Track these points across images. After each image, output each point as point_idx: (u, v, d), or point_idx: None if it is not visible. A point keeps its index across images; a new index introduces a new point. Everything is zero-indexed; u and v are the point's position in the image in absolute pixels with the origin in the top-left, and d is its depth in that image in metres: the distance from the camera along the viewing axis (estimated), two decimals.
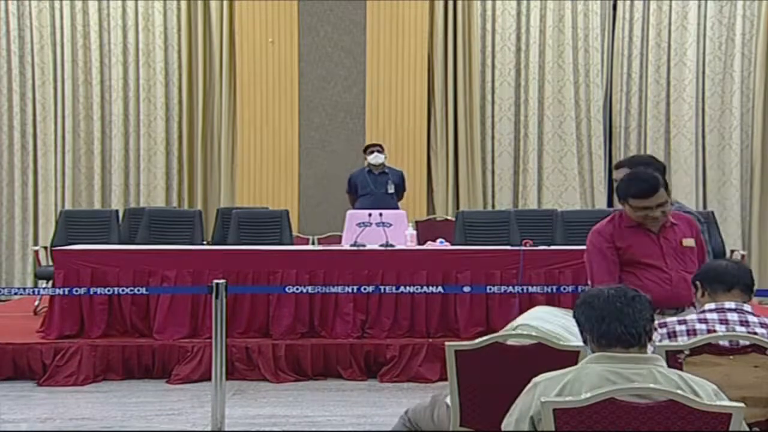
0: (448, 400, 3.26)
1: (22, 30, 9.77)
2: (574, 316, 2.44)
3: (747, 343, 2.84)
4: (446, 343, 2.97)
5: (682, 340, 2.93)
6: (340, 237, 7.10)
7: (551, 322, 3.20)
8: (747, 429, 2.26)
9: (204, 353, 5.80)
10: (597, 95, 9.63)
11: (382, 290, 5.72)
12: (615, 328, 2.30)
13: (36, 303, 7.43)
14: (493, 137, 9.72)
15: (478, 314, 6.17)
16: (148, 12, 9.71)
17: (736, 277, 3.06)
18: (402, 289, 5.52)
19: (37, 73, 9.74)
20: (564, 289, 5.64)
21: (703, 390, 2.24)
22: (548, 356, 2.85)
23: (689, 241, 3.74)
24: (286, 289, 5.71)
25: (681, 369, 2.68)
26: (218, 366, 4.69)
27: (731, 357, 2.83)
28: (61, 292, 5.85)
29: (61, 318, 6.13)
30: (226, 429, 4.68)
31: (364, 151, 8.16)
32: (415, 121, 9.41)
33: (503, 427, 2.38)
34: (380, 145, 8.07)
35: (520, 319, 3.30)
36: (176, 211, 8.59)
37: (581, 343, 2.52)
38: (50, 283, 7.08)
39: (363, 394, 5.58)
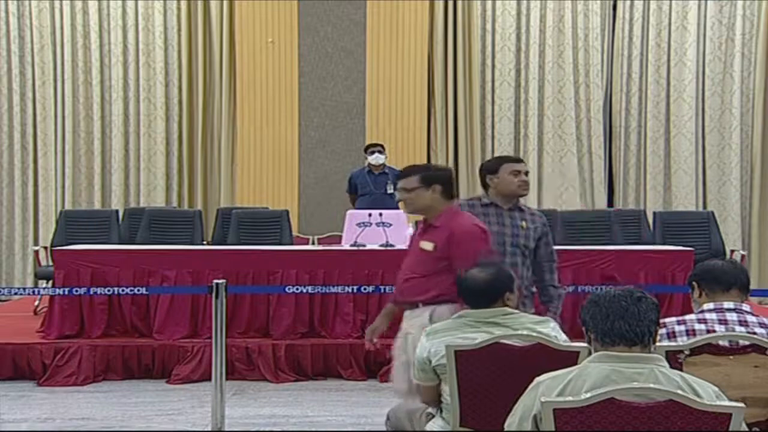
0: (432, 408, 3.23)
1: (22, 30, 9.77)
2: (580, 316, 2.44)
3: (747, 343, 2.84)
4: (446, 344, 2.96)
5: (682, 341, 2.93)
6: (340, 237, 7.10)
7: None
8: (747, 429, 2.26)
9: (204, 353, 5.80)
10: (597, 95, 9.62)
11: (382, 290, 5.71)
12: (619, 326, 2.30)
13: (36, 303, 7.42)
14: (493, 137, 9.71)
15: None
16: (148, 12, 9.70)
17: (734, 277, 3.06)
18: None
19: (37, 73, 9.73)
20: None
21: (704, 391, 2.23)
22: (548, 356, 2.85)
23: (424, 245, 3.88)
24: (286, 289, 5.71)
25: (681, 369, 2.68)
26: (218, 366, 4.70)
27: (731, 357, 2.82)
28: (61, 292, 5.85)
29: (61, 318, 6.13)
30: (226, 429, 4.69)
31: (365, 150, 8.14)
32: (415, 121, 9.40)
33: (506, 426, 2.38)
34: (381, 145, 8.05)
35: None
36: (176, 211, 8.59)
37: None
38: (50, 283, 7.08)
39: (363, 394, 5.58)
